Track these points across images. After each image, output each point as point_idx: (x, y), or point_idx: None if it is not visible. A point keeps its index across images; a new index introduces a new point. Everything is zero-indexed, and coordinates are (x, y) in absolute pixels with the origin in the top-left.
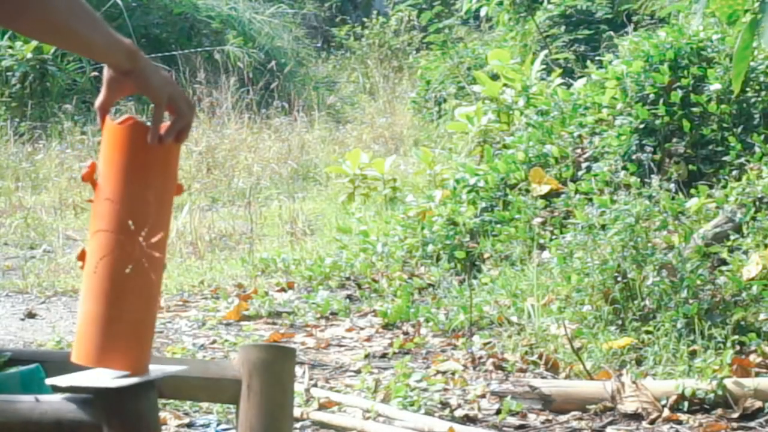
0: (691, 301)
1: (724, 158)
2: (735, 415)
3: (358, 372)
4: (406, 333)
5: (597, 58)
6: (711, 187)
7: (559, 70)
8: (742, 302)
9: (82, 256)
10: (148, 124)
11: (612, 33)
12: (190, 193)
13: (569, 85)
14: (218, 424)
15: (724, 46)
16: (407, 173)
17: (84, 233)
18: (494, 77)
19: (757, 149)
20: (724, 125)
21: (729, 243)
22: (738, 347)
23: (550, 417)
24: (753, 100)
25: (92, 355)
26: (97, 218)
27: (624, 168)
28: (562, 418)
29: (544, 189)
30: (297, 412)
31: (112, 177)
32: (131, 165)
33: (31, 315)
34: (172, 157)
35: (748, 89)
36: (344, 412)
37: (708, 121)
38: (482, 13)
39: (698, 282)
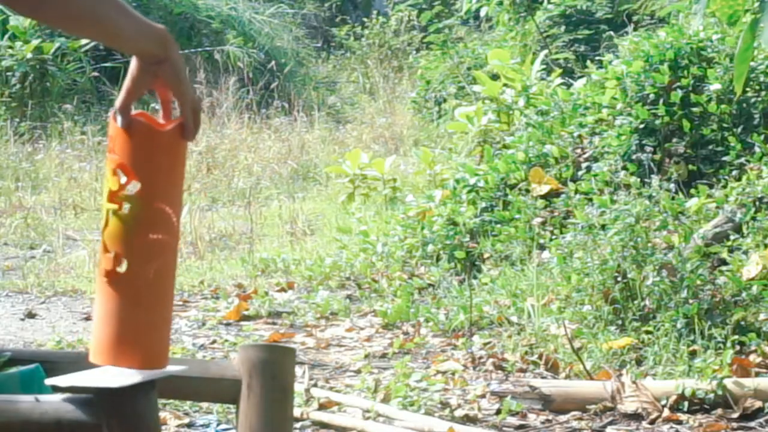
0: (691, 301)
1: (724, 158)
2: (735, 415)
3: (358, 372)
4: (406, 333)
5: (597, 58)
6: (711, 187)
7: (559, 70)
8: (742, 302)
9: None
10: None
11: (612, 33)
12: (190, 193)
13: (569, 85)
14: (218, 424)
15: (724, 46)
16: (407, 173)
17: (84, 233)
18: (494, 77)
19: (757, 149)
20: (724, 125)
21: (729, 243)
22: (738, 347)
23: (550, 417)
24: (753, 100)
25: (124, 354)
26: (153, 224)
27: (624, 168)
28: (562, 418)
29: (544, 189)
30: (297, 412)
31: (162, 182)
32: (179, 167)
33: (31, 315)
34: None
35: (748, 89)
36: (344, 412)
37: (708, 121)
38: (482, 13)
39: (698, 282)
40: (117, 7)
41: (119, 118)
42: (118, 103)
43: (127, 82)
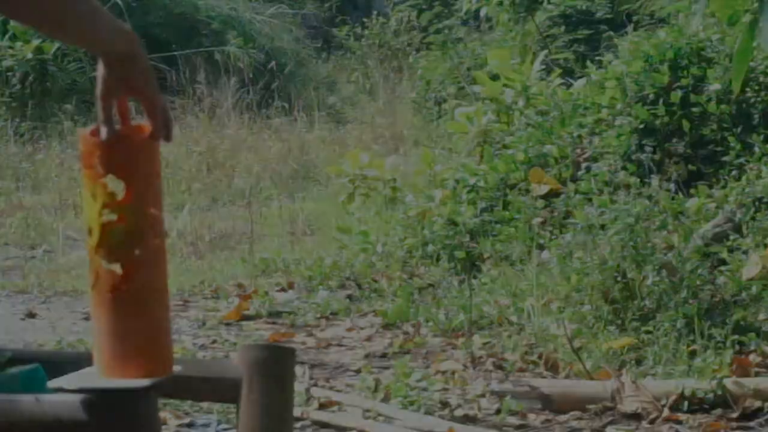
0: (691, 301)
1: (724, 158)
2: (735, 415)
3: (358, 372)
4: (406, 333)
5: (597, 58)
6: (711, 187)
7: (558, 70)
8: (742, 302)
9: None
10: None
11: (612, 33)
12: (191, 193)
13: (569, 85)
14: (218, 424)
15: (724, 46)
16: (407, 173)
17: (84, 233)
18: (494, 77)
19: (756, 149)
20: (724, 125)
21: (729, 243)
22: (738, 347)
23: (550, 417)
24: (753, 100)
25: (128, 367)
26: (152, 230)
27: (624, 168)
28: (562, 418)
29: (544, 189)
30: (297, 412)
31: (152, 188)
32: (160, 170)
33: (31, 315)
34: None
35: (747, 89)
36: (344, 411)
37: (708, 121)
38: (482, 13)
39: (698, 282)
40: (88, 2)
41: (104, 132)
42: (99, 116)
43: (99, 92)
